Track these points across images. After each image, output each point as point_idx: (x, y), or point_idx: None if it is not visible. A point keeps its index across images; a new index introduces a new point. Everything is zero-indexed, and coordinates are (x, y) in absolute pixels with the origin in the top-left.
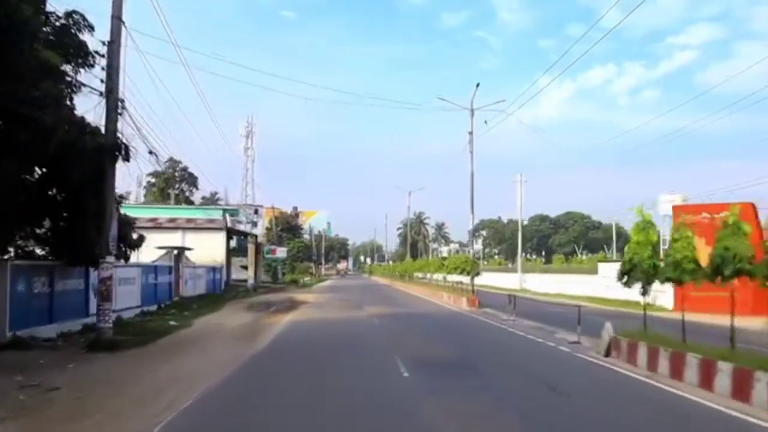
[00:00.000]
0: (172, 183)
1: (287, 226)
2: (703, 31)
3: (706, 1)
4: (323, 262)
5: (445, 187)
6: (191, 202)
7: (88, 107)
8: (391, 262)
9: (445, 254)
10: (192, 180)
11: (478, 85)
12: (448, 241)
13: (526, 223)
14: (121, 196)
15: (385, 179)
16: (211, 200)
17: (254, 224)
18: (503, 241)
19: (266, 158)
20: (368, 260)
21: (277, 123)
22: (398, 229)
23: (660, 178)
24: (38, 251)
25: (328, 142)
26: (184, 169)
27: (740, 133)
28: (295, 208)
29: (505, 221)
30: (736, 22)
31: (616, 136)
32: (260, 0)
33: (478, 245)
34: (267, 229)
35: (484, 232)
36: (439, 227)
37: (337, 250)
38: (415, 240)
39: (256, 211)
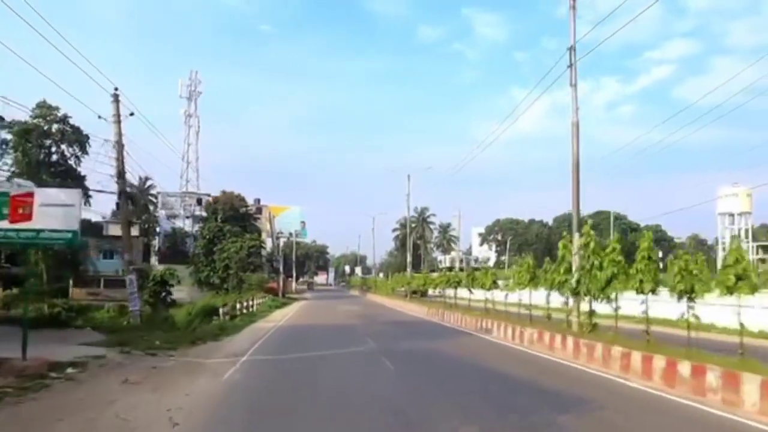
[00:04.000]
0: (41, 140)
1: (233, 215)
2: (679, 46)
3: (682, 16)
4: (294, 273)
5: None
6: (71, 173)
7: None
8: (381, 275)
9: (448, 263)
10: (78, 139)
11: None
12: (448, 248)
13: (551, 224)
14: None
15: (367, 190)
16: (140, 188)
17: (196, 219)
18: (526, 245)
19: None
20: (356, 271)
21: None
22: (394, 230)
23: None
24: None
25: (308, 155)
26: (64, 119)
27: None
28: (258, 201)
29: (527, 221)
30: (711, 38)
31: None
32: (238, 15)
33: (491, 253)
34: (204, 220)
35: (499, 236)
36: (444, 229)
37: (314, 259)
38: (416, 244)
39: (199, 201)
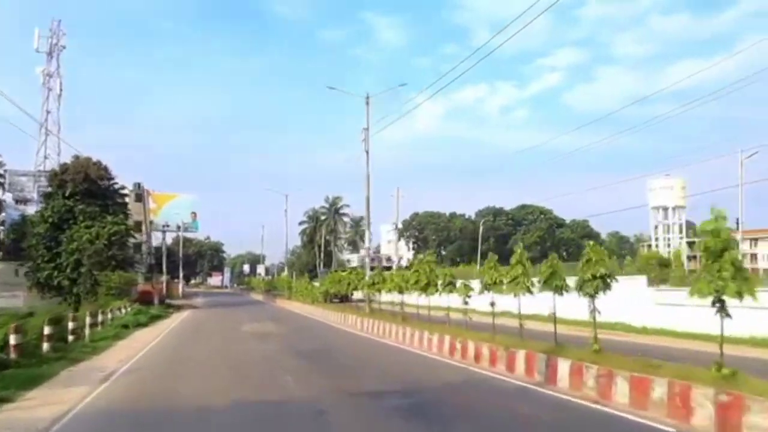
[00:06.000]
0: None
1: (88, 189)
2: (569, 55)
3: (572, 25)
4: (181, 274)
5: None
6: None
7: None
8: (284, 275)
9: (356, 263)
10: None
11: None
12: (357, 244)
13: (473, 218)
14: None
15: (266, 190)
16: None
17: None
18: (449, 240)
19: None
20: (259, 270)
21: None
22: (301, 223)
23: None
24: None
25: (206, 152)
26: None
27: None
28: (139, 185)
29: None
30: (598, 47)
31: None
32: (136, 9)
33: (408, 251)
34: (46, 196)
35: (417, 232)
36: (357, 223)
37: (208, 258)
38: (327, 240)
39: None
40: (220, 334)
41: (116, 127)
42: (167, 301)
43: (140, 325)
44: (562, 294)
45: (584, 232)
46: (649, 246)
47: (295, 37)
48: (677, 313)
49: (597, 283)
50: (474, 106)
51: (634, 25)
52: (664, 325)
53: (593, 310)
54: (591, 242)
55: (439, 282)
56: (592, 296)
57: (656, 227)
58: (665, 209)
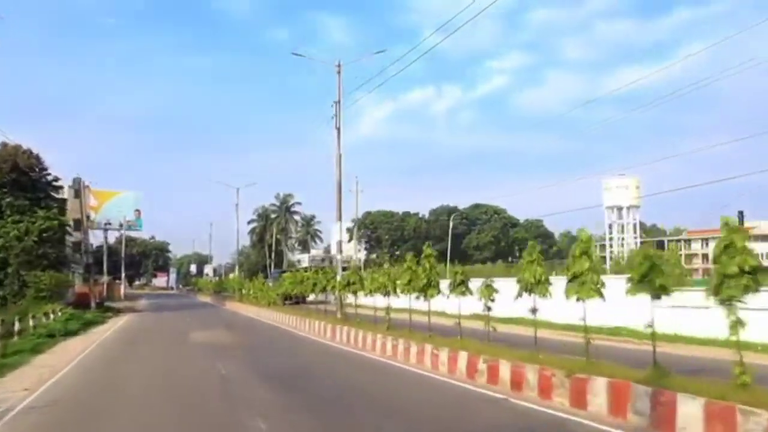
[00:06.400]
0: None
1: (17, 181)
2: (517, 57)
3: (520, 28)
4: (124, 274)
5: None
6: None
7: None
8: (233, 275)
9: (307, 263)
10: None
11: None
12: (308, 244)
13: (427, 217)
14: None
15: (212, 190)
16: None
17: None
18: (402, 240)
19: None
20: (207, 271)
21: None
22: (249, 222)
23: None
24: None
25: (150, 152)
26: None
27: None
28: (78, 181)
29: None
30: (547, 51)
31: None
32: (76, 6)
33: (359, 251)
34: None
35: (370, 231)
36: (308, 222)
37: (153, 258)
38: (277, 240)
39: None
40: (164, 348)
41: (58, 123)
42: (107, 303)
43: (70, 333)
44: (660, 298)
45: (538, 231)
46: (603, 246)
47: (243, 35)
48: (683, 315)
49: (745, 281)
50: (423, 107)
51: (581, 29)
52: (668, 330)
53: (736, 322)
54: (727, 219)
55: (446, 282)
56: (735, 301)
57: (611, 226)
58: (620, 209)
